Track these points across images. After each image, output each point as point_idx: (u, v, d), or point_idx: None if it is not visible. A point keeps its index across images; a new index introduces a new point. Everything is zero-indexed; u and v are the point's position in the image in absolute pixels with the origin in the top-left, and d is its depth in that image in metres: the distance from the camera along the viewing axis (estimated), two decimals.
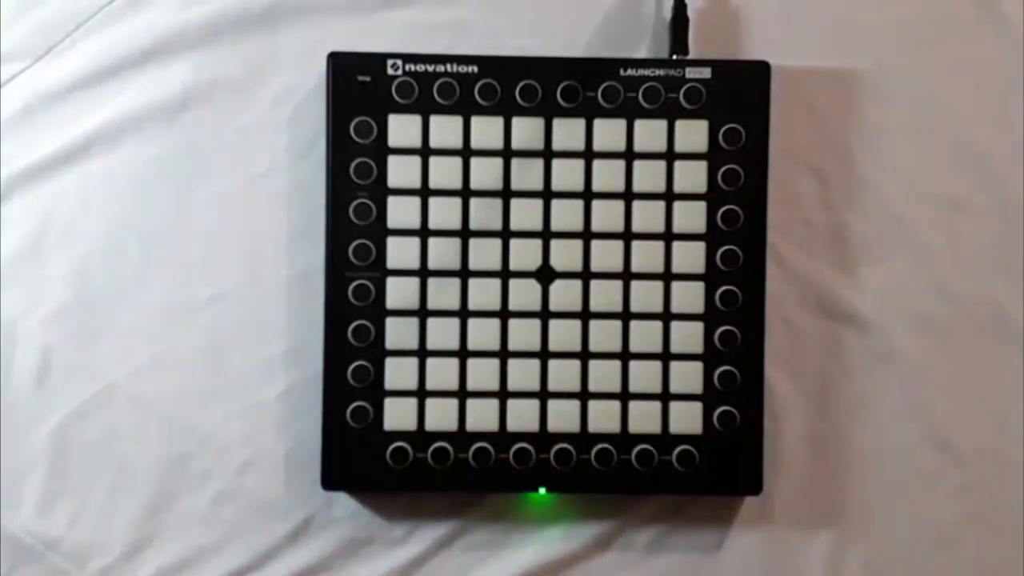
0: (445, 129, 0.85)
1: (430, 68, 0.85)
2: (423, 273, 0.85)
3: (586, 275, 0.85)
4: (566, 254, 0.85)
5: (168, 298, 0.87)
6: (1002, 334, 0.89)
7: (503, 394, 0.85)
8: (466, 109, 0.85)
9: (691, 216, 0.85)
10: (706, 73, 0.85)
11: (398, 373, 0.85)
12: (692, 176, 0.85)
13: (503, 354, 0.85)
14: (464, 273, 0.85)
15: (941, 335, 0.89)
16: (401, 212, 0.85)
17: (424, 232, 0.85)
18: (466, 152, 0.85)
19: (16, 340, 0.87)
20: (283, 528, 0.88)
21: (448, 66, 0.85)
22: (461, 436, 0.85)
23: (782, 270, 0.88)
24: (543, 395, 0.85)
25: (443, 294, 0.85)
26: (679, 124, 0.85)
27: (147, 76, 0.87)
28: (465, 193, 0.85)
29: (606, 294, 0.85)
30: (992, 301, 0.89)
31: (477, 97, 0.85)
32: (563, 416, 0.86)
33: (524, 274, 0.85)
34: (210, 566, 0.87)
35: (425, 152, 0.85)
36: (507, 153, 0.85)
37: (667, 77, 0.85)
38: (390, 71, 0.85)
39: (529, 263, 0.85)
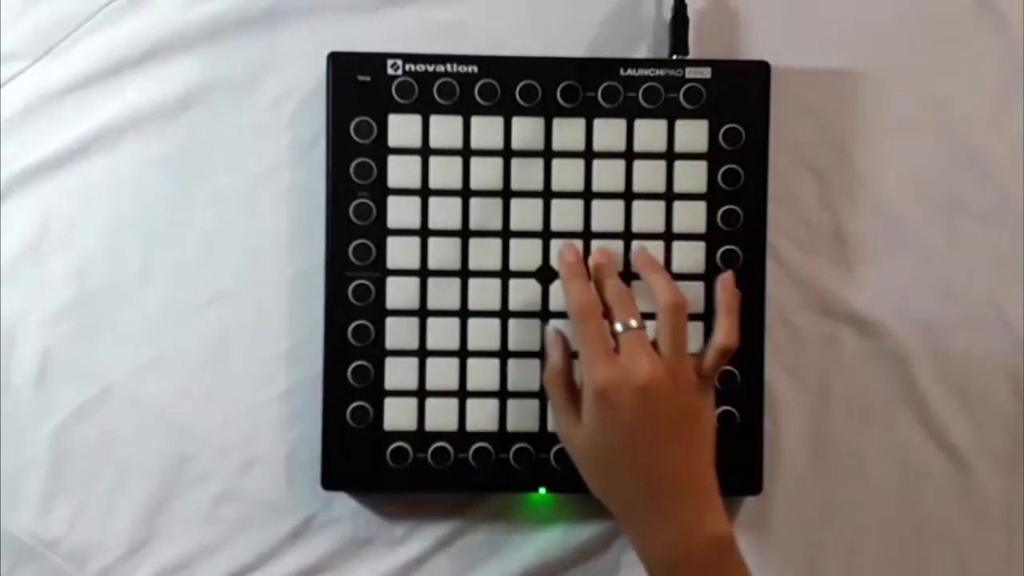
0: (445, 129, 0.85)
1: (430, 68, 0.85)
2: (423, 273, 0.85)
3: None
4: None
5: (168, 298, 0.87)
6: (1002, 334, 0.89)
7: (503, 394, 0.85)
8: (466, 109, 0.85)
9: (691, 216, 0.85)
10: (706, 73, 0.85)
11: (398, 373, 0.85)
12: (692, 176, 0.85)
13: (503, 354, 0.85)
14: (464, 273, 0.85)
15: (941, 335, 0.89)
16: (401, 212, 0.85)
17: (424, 232, 0.85)
18: (466, 152, 0.85)
19: (16, 340, 0.87)
20: (283, 528, 0.88)
21: (448, 66, 0.85)
22: (461, 436, 0.85)
23: (782, 270, 0.88)
24: (543, 395, 0.85)
25: (443, 294, 0.85)
26: (679, 124, 0.85)
27: (147, 76, 0.87)
28: (465, 193, 0.85)
29: None
30: (992, 301, 0.89)
31: (477, 97, 0.85)
32: None
33: (524, 274, 0.85)
34: (210, 566, 0.87)
35: (425, 152, 0.85)
36: (507, 153, 0.85)
37: (667, 77, 0.85)
38: (390, 71, 0.85)
39: (529, 263, 0.85)
